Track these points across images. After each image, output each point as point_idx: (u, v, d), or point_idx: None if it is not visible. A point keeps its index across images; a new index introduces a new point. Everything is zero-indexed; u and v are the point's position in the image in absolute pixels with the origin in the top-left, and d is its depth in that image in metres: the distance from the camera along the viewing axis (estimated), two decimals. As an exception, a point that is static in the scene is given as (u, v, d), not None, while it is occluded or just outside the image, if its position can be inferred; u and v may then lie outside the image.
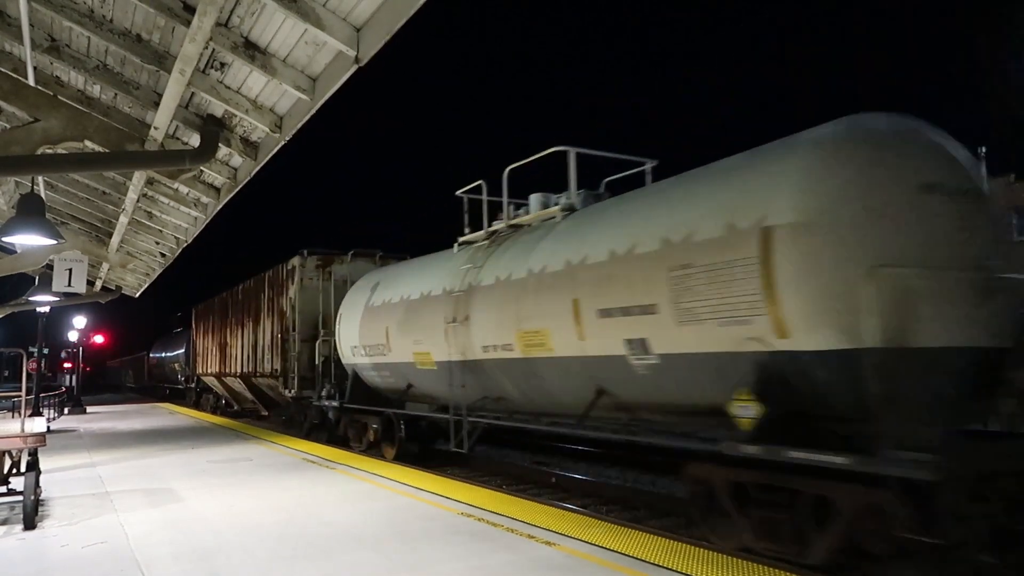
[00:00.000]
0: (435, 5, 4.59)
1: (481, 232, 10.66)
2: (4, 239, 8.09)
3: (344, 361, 14.07)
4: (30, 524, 7.16)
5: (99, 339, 53.13)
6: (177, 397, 33.92)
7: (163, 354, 36.86)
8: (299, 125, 6.68)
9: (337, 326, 14.03)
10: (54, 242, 7.55)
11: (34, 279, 15.24)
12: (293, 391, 15.80)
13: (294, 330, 15.56)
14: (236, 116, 7.08)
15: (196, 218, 11.03)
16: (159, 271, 15.19)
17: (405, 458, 12.13)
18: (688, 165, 7.61)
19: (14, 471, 8.05)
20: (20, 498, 7.39)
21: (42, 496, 8.12)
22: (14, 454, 8.01)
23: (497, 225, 10.41)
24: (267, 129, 6.99)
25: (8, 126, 8.13)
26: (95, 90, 7.41)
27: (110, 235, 12.67)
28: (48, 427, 10.05)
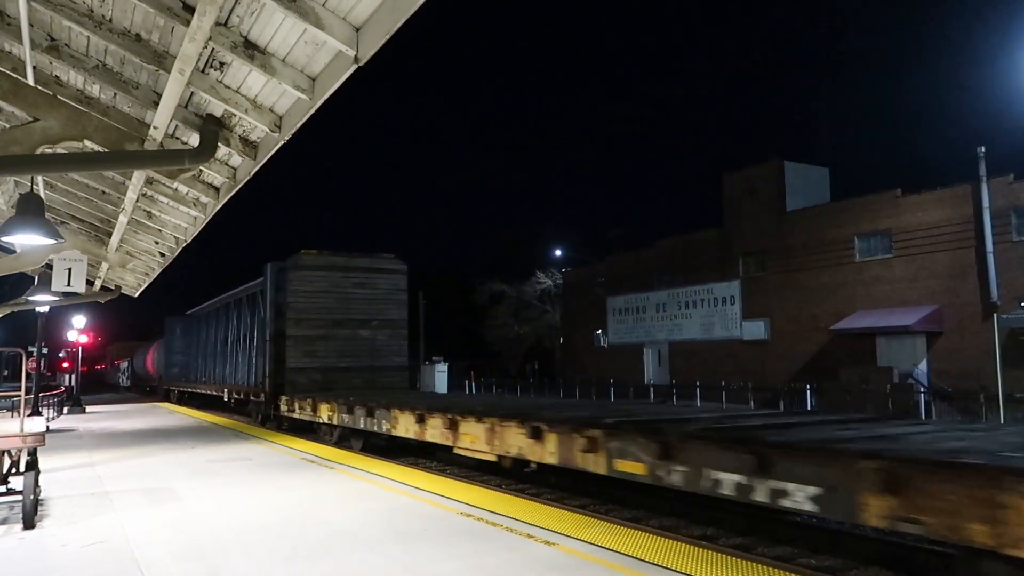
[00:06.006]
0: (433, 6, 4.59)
1: None
2: (4, 239, 8.07)
3: None
4: (29, 524, 7.16)
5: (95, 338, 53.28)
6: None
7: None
8: (299, 125, 6.67)
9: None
10: (53, 242, 7.53)
11: (33, 279, 15.23)
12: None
13: None
14: (235, 116, 7.07)
15: (195, 218, 11.01)
16: (159, 271, 15.17)
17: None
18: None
19: (13, 471, 8.05)
20: (19, 498, 7.39)
21: (41, 496, 8.12)
22: (13, 454, 8.01)
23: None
24: (267, 129, 6.98)
25: (8, 126, 8.11)
26: (94, 90, 7.39)
27: (109, 235, 12.66)
28: (47, 427, 10.02)
